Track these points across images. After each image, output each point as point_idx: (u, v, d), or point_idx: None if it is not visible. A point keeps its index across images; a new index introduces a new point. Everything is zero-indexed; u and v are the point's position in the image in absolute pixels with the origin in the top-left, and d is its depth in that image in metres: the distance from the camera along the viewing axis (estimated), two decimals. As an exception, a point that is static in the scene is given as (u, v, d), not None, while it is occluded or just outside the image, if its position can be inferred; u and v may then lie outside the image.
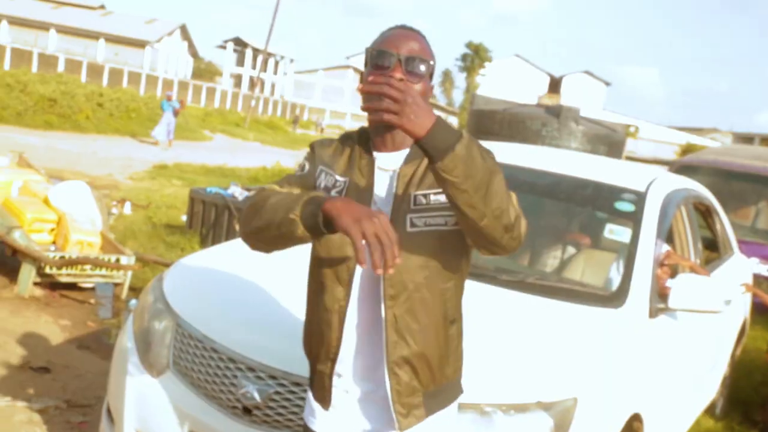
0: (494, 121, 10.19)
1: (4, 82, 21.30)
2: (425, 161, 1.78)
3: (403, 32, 1.82)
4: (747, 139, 56.14)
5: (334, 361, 1.84)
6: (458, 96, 79.72)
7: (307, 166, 1.93)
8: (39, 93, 21.46)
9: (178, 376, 2.72)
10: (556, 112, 10.03)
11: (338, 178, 1.85)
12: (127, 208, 8.79)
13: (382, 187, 1.83)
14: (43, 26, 55.00)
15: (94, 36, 55.19)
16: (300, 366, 2.45)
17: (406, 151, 1.85)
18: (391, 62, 1.75)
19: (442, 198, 1.73)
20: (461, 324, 1.93)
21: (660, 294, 3.29)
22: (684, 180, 4.46)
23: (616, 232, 3.54)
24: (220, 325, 2.71)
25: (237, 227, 7.15)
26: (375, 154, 1.85)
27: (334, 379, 1.87)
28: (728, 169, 9.23)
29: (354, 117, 68.99)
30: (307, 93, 73.74)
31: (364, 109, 1.55)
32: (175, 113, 22.01)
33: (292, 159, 20.06)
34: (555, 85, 70.37)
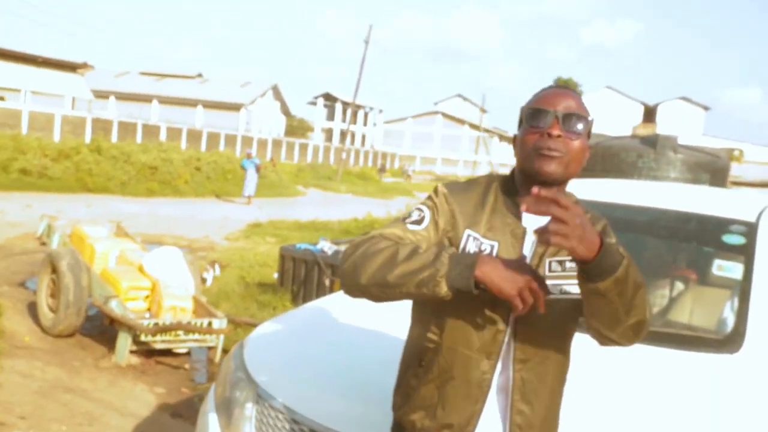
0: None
1: (110, 154, 22.39)
2: None
3: (559, 91, 1.80)
4: None
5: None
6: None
7: (427, 219, 1.80)
8: (141, 162, 22.45)
9: (260, 449, 2.59)
10: (651, 141, 9.55)
11: (483, 240, 1.76)
12: (216, 271, 8.87)
13: (526, 248, 1.79)
14: (147, 99, 58.06)
15: (192, 104, 57.77)
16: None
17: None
18: (548, 120, 1.73)
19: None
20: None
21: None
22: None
23: (726, 268, 3.22)
24: (302, 394, 2.57)
25: (326, 282, 7.09)
26: (523, 214, 1.77)
27: None
28: None
29: (444, 162, 69.03)
30: (397, 141, 74.50)
31: (537, 233, 1.49)
32: (257, 169, 22.50)
33: (382, 208, 20.10)
34: (650, 114, 68.41)
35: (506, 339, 1.73)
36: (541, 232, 1.45)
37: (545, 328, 1.74)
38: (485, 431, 1.77)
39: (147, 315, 6.01)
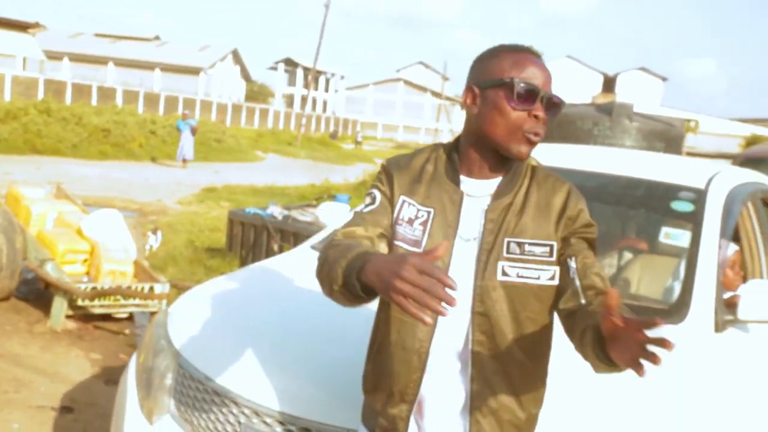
0: (545, 123, 9.74)
1: (60, 116, 21.75)
2: (519, 195, 1.69)
3: (541, 65, 1.67)
4: (817, 128, 53.72)
5: (411, 404, 1.70)
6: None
7: (378, 197, 1.75)
8: (93, 124, 21.88)
9: (179, 422, 2.44)
10: (608, 109, 9.50)
11: (420, 207, 1.70)
12: (157, 237, 8.48)
13: (469, 222, 1.68)
14: (103, 60, 56.56)
15: (150, 67, 56.47)
16: (312, 410, 2.16)
17: (497, 180, 1.71)
18: (537, 101, 1.62)
19: (537, 250, 1.64)
20: (546, 381, 1.78)
21: (728, 304, 2.86)
22: (750, 173, 3.98)
23: (674, 236, 3.13)
24: (224, 365, 2.41)
25: (275, 248, 6.91)
26: (462, 179, 1.71)
27: (411, 424, 1.71)
28: (799, 160, 8.61)
29: (406, 129, 68.81)
30: (359, 108, 73.96)
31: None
32: (193, 132, 20.80)
33: (340, 174, 19.89)
34: (609, 84, 68.83)
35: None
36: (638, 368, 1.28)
37: (503, 311, 1.63)
38: (448, 416, 1.68)
39: (85, 279, 5.79)
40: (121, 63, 56.69)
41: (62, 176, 14.21)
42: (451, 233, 1.66)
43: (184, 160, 20.59)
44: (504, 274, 1.62)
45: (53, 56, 49.15)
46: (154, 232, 8.35)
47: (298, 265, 3.30)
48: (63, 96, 34.10)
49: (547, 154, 3.84)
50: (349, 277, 1.44)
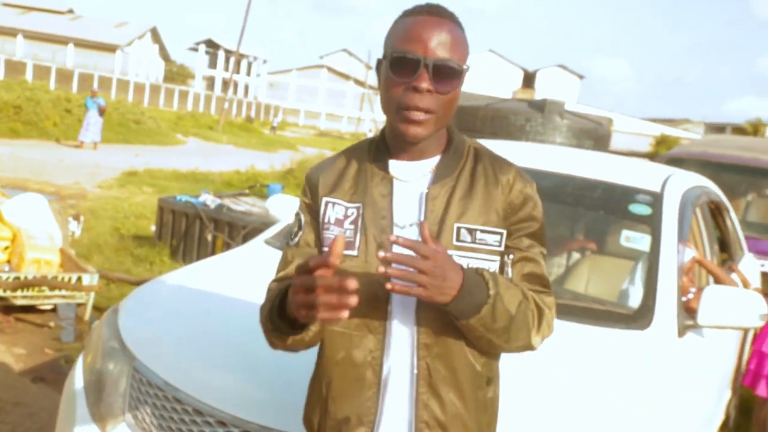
0: (476, 118, 9.85)
1: (-36, 89, 20.57)
2: (464, 177, 1.52)
3: (431, 20, 1.42)
4: (719, 128, 56.40)
5: (371, 426, 1.50)
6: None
7: (303, 219, 1.59)
8: (2, 100, 20.75)
9: (134, 430, 2.29)
10: (540, 106, 9.70)
11: (348, 205, 1.53)
12: (78, 224, 8.02)
13: (406, 208, 1.50)
14: (10, 32, 53.85)
15: (62, 41, 54.14)
16: (277, 419, 2.05)
17: (433, 161, 1.53)
18: (417, 70, 1.39)
19: (489, 238, 1.47)
20: (498, 386, 1.60)
21: (686, 309, 2.90)
22: (697, 177, 4.08)
23: (634, 239, 3.15)
24: (184, 370, 2.28)
25: (209, 237, 6.70)
26: (391, 162, 1.52)
27: None
28: (718, 161, 8.94)
29: (329, 117, 68.45)
30: (282, 94, 73.06)
31: (384, 274, 1.28)
32: (101, 112, 19.52)
33: (265, 161, 19.57)
34: (529, 80, 70.26)
35: (392, 311, 1.47)
36: (393, 287, 1.30)
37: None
38: (390, 430, 1.51)
39: (6, 268, 5.45)
40: (31, 36, 54.12)
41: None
42: (386, 224, 1.48)
43: (95, 144, 19.44)
44: None
45: (-43, 27, 46.55)
46: (76, 217, 7.94)
47: (252, 261, 3.17)
48: (-33, 69, 32.31)
49: (505, 152, 3.84)
50: (272, 317, 1.46)
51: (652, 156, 37.77)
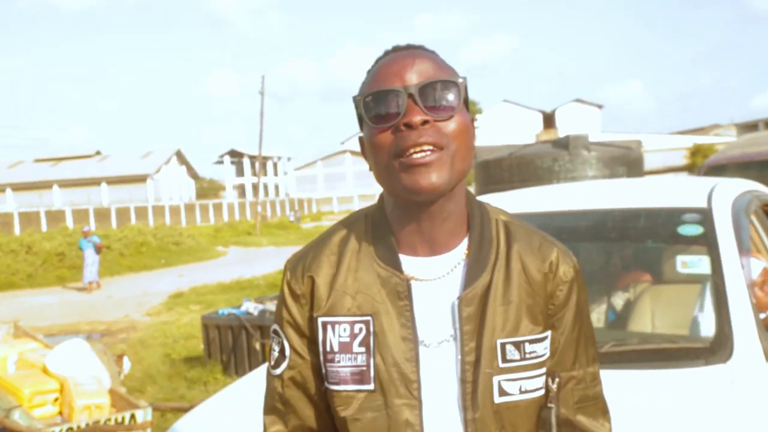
0: (503, 169, 9.70)
1: (8, 248, 21.16)
2: (499, 269, 1.18)
3: (403, 54, 1.16)
4: (751, 127, 55.27)
5: None
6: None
7: (287, 348, 1.24)
8: (45, 250, 21.27)
9: None
10: (564, 144, 9.50)
11: (353, 319, 1.17)
12: (125, 365, 7.85)
13: (431, 320, 1.17)
14: (46, 185, 56.01)
15: (95, 182, 56.11)
16: None
17: (456, 253, 1.19)
18: (400, 104, 1.10)
19: (540, 348, 1.17)
20: None
21: (766, 326, 2.61)
22: (741, 182, 3.81)
23: (691, 264, 2.88)
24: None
25: (257, 346, 6.54)
26: (403, 259, 1.19)
27: None
28: (761, 160, 8.62)
29: (361, 198, 68.99)
30: (311, 186, 74.11)
31: None
32: (97, 249, 17.78)
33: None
34: (549, 120, 70.25)
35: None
36: None
37: None
38: None
39: (59, 419, 5.33)
40: (65, 184, 56.21)
41: (20, 310, 13.66)
42: (409, 346, 1.15)
43: (97, 284, 17.93)
44: (503, 393, 1.15)
45: (-5, 189, 48.51)
46: (120, 358, 7.77)
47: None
48: (11, 227, 33.46)
49: (520, 202, 3.63)
50: None
51: (691, 168, 37.11)
